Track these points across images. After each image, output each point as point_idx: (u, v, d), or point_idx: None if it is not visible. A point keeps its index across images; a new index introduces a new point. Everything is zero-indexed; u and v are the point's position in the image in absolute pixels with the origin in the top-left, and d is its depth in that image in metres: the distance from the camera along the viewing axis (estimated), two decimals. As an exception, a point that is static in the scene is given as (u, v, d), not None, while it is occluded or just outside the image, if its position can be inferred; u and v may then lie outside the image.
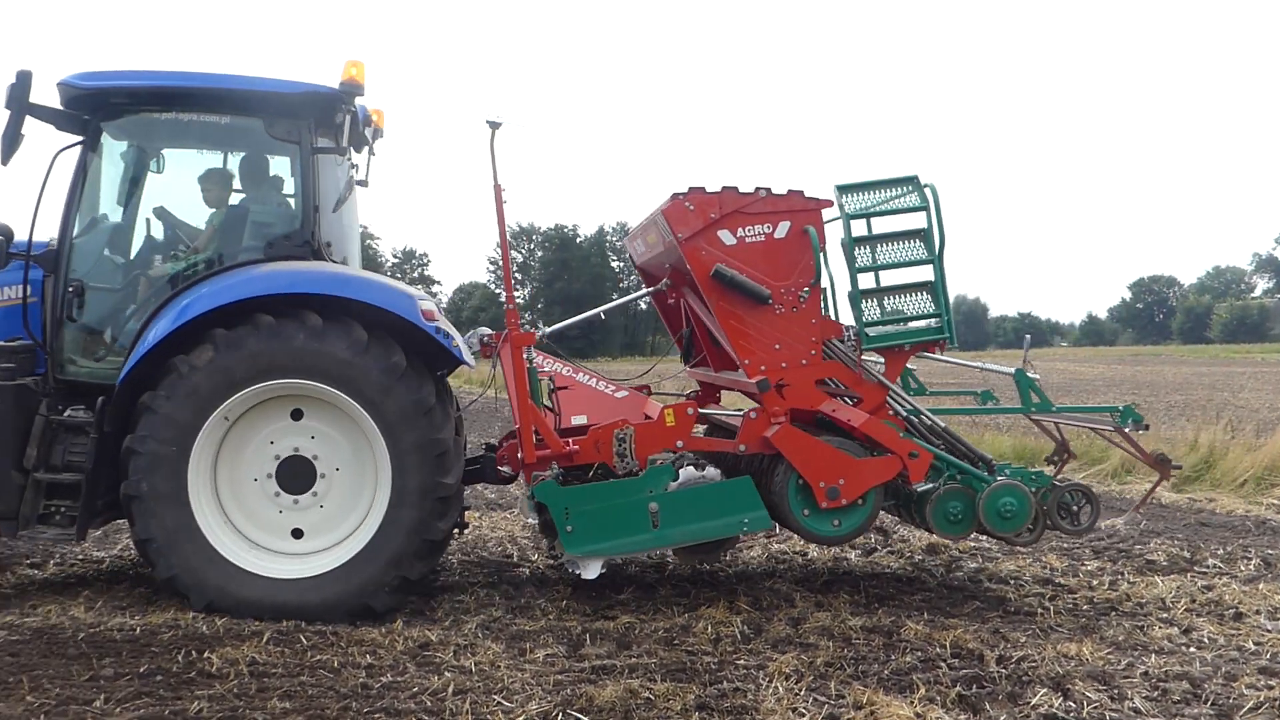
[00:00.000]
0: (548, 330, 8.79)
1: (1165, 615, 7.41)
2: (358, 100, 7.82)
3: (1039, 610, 7.49)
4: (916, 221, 7.83)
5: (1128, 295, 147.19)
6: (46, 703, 5.26)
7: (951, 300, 7.90)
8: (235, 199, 8.07)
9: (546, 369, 8.38)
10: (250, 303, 7.08)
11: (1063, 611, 7.47)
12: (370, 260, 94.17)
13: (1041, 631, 6.97)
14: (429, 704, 5.39)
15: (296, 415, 7.32)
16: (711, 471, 7.67)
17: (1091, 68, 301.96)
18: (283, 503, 7.31)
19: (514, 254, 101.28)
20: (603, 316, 9.25)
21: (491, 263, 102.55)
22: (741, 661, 6.22)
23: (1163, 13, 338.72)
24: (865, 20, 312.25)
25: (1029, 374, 8.17)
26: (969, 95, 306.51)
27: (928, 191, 7.74)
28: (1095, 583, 8.37)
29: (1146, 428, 8.20)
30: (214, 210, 7.99)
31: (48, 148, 7.58)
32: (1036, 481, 7.65)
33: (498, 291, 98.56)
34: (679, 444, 7.81)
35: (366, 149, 8.72)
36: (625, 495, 7.46)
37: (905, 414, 7.86)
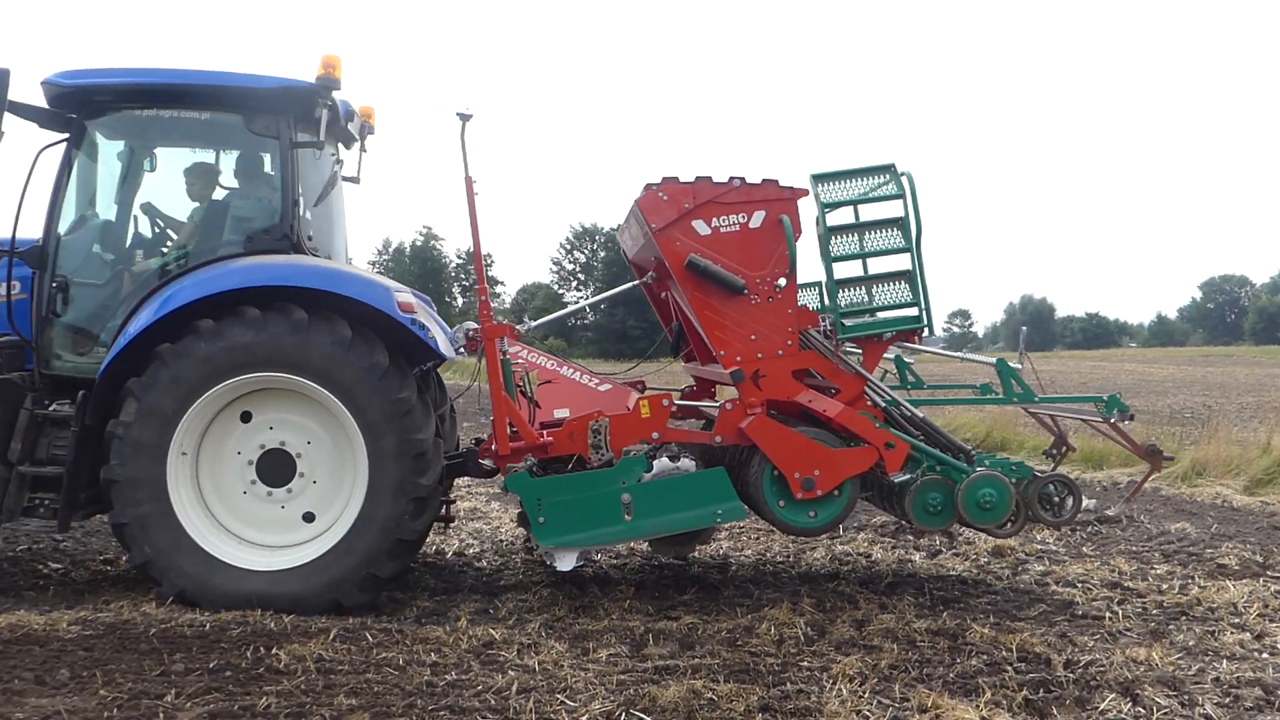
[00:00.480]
0: (532, 324, 8.78)
1: (1237, 620, 7.28)
2: (341, 96, 7.91)
3: (1107, 614, 7.38)
4: (893, 210, 7.76)
5: (1198, 295, 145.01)
6: (119, 697, 5.36)
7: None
8: (219, 194, 8.16)
9: (522, 360, 8.24)
10: (229, 295, 7.15)
11: (1131, 616, 7.37)
12: (435, 261, 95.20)
13: (1110, 636, 6.88)
14: (493, 702, 5.41)
15: (245, 418, 7.40)
16: (685, 463, 7.66)
17: (1160, 64, 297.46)
18: (279, 497, 7.41)
19: (577, 254, 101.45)
20: (587, 310, 9.23)
21: (555, 264, 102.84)
22: (805, 663, 6.19)
23: (1242, 4, 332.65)
24: (919, 12, 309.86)
25: (1012, 364, 8.13)
26: (1038, 90, 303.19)
27: (904, 180, 7.67)
28: (1165, 587, 8.24)
29: (1131, 418, 8.17)
30: (196, 205, 8.09)
31: (30, 145, 7.75)
32: (1017, 472, 7.61)
33: (561, 292, 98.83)
34: (654, 435, 7.76)
35: (357, 146, 8.80)
36: (598, 486, 7.43)
37: (884, 405, 7.82)
